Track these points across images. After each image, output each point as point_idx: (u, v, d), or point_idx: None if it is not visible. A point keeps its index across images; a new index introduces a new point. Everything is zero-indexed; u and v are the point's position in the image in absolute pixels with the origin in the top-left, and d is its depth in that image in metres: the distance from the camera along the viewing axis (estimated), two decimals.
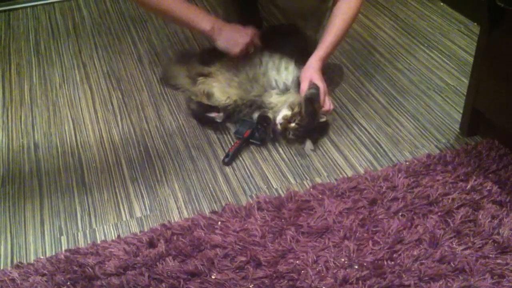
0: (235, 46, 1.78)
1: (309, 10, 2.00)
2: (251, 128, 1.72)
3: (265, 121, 1.72)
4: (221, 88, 1.79)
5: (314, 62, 1.76)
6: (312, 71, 1.74)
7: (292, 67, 1.81)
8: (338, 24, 1.76)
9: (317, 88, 1.67)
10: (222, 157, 1.68)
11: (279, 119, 1.67)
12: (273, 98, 1.75)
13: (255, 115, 1.77)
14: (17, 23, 2.52)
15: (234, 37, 1.80)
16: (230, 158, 1.66)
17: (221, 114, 1.74)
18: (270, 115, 1.73)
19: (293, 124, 1.66)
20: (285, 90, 1.76)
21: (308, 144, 1.68)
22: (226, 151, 1.69)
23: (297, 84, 1.76)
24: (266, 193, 1.56)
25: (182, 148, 1.74)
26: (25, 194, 1.60)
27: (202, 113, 1.78)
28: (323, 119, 1.70)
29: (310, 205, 1.48)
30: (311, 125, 1.67)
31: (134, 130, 1.83)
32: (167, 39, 2.34)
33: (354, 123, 1.82)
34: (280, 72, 1.80)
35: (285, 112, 1.67)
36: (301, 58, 1.82)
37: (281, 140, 1.73)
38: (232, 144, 1.72)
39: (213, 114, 1.74)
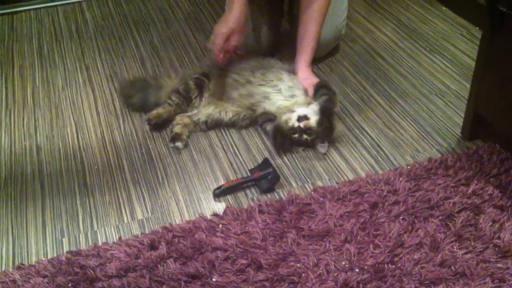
0: (215, 37, 1.79)
1: None
2: (263, 174, 1.59)
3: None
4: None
5: (306, 68, 1.92)
6: (307, 76, 1.90)
7: (286, 73, 1.86)
8: (314, 28, 1.92)
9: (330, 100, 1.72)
10: (224, 160, 1.70)
11: (302, 114, 1.67)
12: (281, 103, 1.76)
13: (268, 127, 1.76)
14: (20, 26, 2.53)
15: (218, 23, 1.81)
16: (221, 192, 1.57)
17: (179, 144, 1.74)
18: (279, 119, 1.71)
19: (306, 137, 1.69)
20: (292, 95, 1.77)
21: (321, 147, 1.70)
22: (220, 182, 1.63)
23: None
24: (268, 196, 1.56)
25: (183, 150, 1.75)
26: (27, 196, 1.61)
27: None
28: (322, 150, 1.71)
29: (311, 208, 1.48)
30: (329, 134, 1.71)
31: (136, 132, 1.83)
32: (169, 42, 2.34)
33: (355, 126, 1.82)
34: (282, 80, 1.81)
35: (312, 118, 1.67)
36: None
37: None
38: (235, 177, 1.63)
39: (171, 145, 1.75)
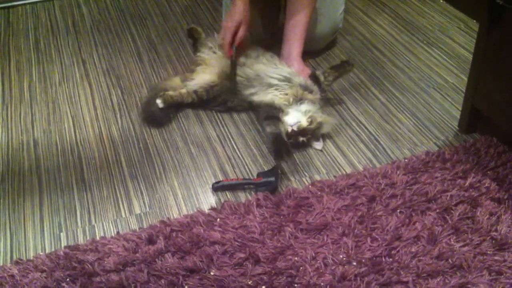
0: (223, 32, 1.86)
1: None
2: (264, 181, 1.56)
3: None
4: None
5: (300, 59, 1.95)
6: (303, 67, 1.93)
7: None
8: (304, 19, 1.91)
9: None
10: (222, 155, 1.70)
11: (293, 123, 1.67)
12: (274, 82, 1.80)
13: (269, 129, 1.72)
14: (16, 20, 2.52)
15: (226, 19, 1.85)
16: (219, 187, 1.57)
17: (159, 101, 1.81)
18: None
19: (302, 139, 1.68)
20: (286, 81, 1.79)
21: (317, 144, 1.70)
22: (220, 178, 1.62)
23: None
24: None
25: (181, 145, 1.75)
26: (24, 191, 1.60)
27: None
28: (318, 146, 1.71)
29: (309, 202, 1.48)
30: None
31: (134, 127, 1.83)
32: (166, 36, 2.34)
33: (353, 120, 1.82)
34: (277, 66, 1.85)
35: (303, 120, 1.67)
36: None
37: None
38: (233, 172, 1.64)
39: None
